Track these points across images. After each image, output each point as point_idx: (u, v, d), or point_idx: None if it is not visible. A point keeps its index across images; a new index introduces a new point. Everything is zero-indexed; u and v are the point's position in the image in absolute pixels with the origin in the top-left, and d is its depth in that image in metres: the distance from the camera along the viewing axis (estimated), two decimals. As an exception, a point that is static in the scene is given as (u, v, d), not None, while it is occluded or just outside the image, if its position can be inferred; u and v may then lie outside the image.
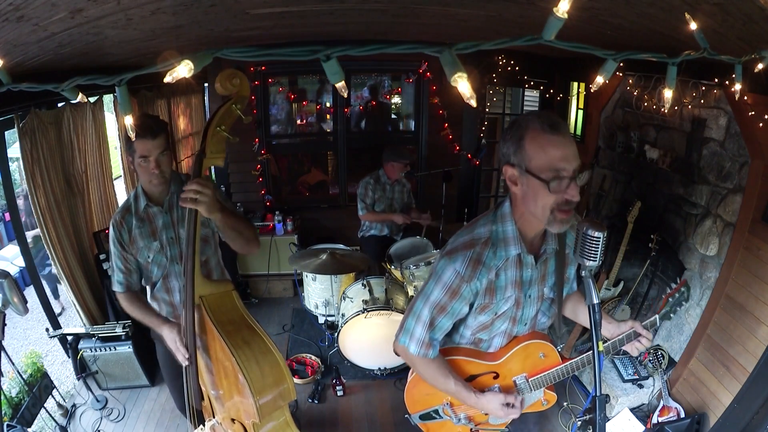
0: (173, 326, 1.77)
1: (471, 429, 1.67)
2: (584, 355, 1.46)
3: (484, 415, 1.61)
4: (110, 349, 2.98)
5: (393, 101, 5.29)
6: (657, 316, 1.50)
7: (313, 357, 3.45)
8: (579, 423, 2.72)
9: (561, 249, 1.40)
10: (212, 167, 1.97)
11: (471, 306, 1.39)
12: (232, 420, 1.67)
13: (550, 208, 1.18)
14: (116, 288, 1.93)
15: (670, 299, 1.53)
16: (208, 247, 1.99)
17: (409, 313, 1.43)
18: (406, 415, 1.70)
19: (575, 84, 4.62)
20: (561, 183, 1.14)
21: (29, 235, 4.10)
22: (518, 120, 1.24)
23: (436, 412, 1.65)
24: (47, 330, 3.03)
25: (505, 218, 1.31)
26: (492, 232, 1.32)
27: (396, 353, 1.51)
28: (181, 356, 1.67)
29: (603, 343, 1.34)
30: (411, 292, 3.18)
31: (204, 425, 1.77)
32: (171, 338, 1.74)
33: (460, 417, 1.61)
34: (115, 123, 4.04)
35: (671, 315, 1.53)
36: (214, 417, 1.77)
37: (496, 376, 1.54)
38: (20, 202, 4.49)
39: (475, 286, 1.33)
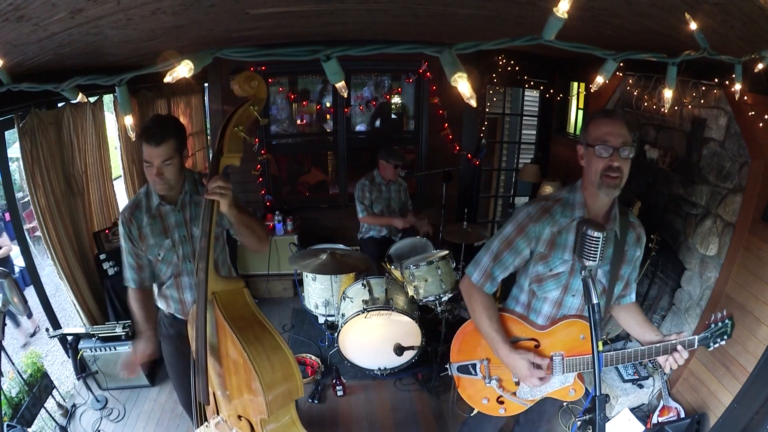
0: (149, 343, 1.93)
1: (497, 398, 1.73)
2: (620, 351, 1.55)
3: (514, 384, 1.71)
4: (110, 349, 2.98)
5: (393, 101, 5.28)
6: (696, 337, 1.53)
7: (313, 357, 3.45)
8: (579, 423, 2.72)
9: (621, 240, 1.60)
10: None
11: (532, 254, 1.62)
12: (239, 417, 1.67)
13: (599, 173, 1.47)
14: (129, 284, 1.96)
15: (712, 325, 1.54)
16: (218, 244, 2.00)
17: (483, 248, 1.69)
18: (446, 365, 1.82)
19: (575, 84, 4.62)
20: (605, 149, 1.45)
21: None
22: (590, 114, 1.70)
23: (474, 366, 1.74)
24: (47, 330, 3.03)
25: (576, 189, 1.62)
26: (564, 197, 1.63)
27: (460, 288, 1.75)
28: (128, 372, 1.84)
29: (603, 344, 1.35)
30: (411, 292, 3.18)
31: (208, 422, 1.77)
32: (139, 349, 1.91)
33: (493, 378, 1.71)
34: (115, 123, 4.03)
35: (711, 344, 1.54)
36: (219, 414, 1.77)
37: (537, 345, 1.66)
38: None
39: (538, 230, 1.58)
